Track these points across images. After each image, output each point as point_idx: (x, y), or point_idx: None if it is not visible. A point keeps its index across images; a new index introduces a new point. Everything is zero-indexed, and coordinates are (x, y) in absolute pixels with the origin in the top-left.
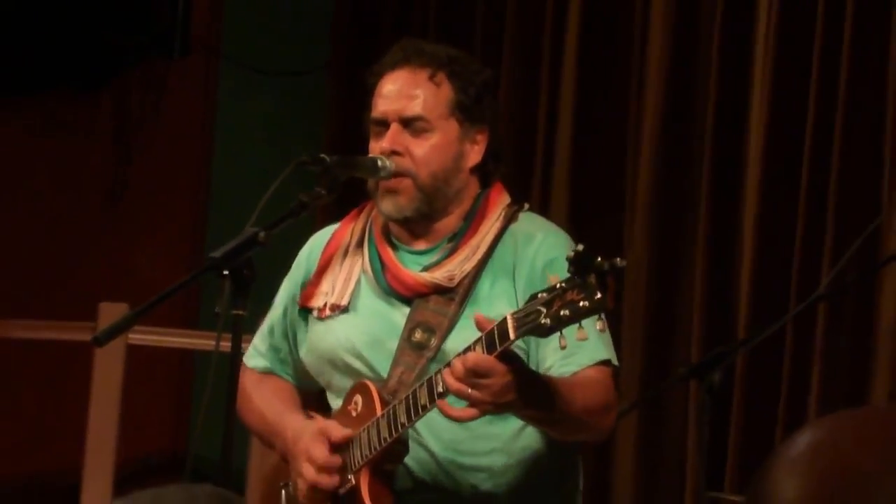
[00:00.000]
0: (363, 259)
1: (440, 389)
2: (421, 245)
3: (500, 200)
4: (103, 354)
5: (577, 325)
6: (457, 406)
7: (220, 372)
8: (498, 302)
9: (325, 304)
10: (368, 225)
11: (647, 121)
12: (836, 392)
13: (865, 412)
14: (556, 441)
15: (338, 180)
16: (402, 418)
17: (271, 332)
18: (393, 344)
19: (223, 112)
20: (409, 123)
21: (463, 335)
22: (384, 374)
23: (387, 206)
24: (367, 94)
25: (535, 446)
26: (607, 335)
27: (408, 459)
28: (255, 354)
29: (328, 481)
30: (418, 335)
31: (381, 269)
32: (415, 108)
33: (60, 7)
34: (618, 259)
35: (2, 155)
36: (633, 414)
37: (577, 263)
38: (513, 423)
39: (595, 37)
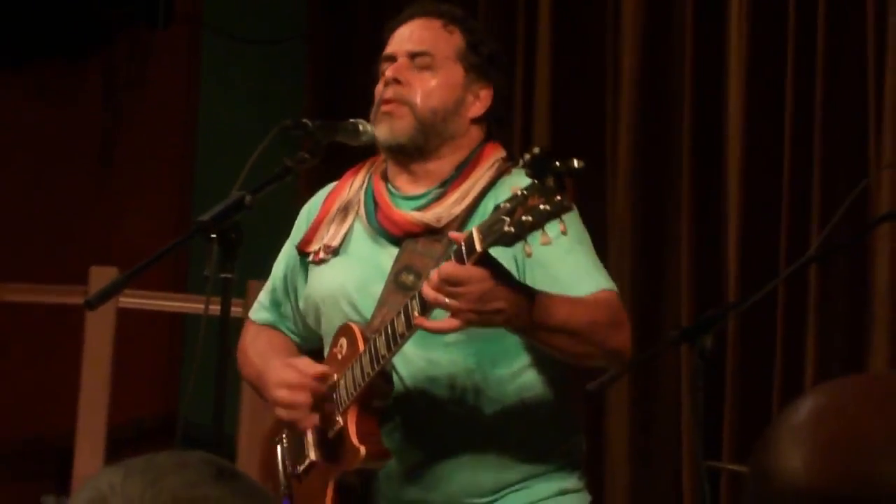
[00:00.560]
0: (359, 204)
1: (415, 314)
2: (413, 190)
3: (495, 153)
4: (94, 318)
5: (540, 230)
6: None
7: (210, 335)
8: None
9: (319, 248)
10: (369, 175)
11: (625, 80)
12: (833, 354)
13: (868, 378)
14: (551, 393)
15: (321, 144)
16: (383, 350)
17: (274, 286)
18: (380, 287)
19: (207, 80)
20: (416, 57)
21: None
22: (370, 317)
23: (382, 130)
24: (345, 61)
25: (529, 396)
26: (593, 255)
27: (395, 407)
28: (259, 308)
29: (303, 398)
30: (404, 277)
31: (374, 209)
32: (422, 44)
33: None
34: (574, 160)
35: None
36: (625, 382)
37: (534, 167)
38: (503, 371)
39: None
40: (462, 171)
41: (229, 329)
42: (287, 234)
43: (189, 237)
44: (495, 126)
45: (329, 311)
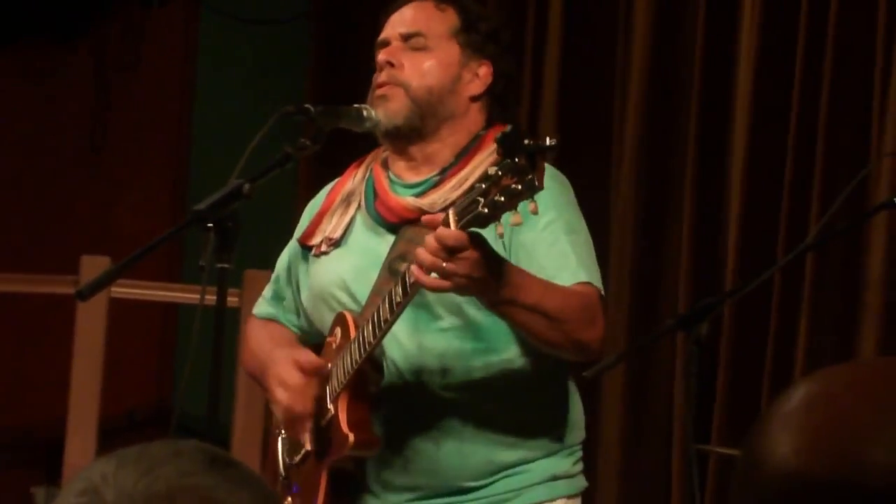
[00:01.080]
0: (361, 195)
1: (398, 300)
2: (412, 177)
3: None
4: (86, 308)
5: (513, 210)
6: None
7: (205, 326)
8: None
9: (321, 241)
10: (370, 167)
11: (634, 68)
12: (824, 343)
13: (858, 365)
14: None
15: (322, 131)
16: (369, 337)
17: (277, 279)
18: (375, 275)
19: (204, 62)
20: (408, 39)
21: None
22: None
23: (379, 114)
24: (348, 42)
25: (521, 383)
26: (585, 248)
27: (387, 393)
28: (262, 302)
29: (301, 405)
30: (398, 264)
31: (373, 198)
32: (415, 24)
33: None
34: (547, 138)
35: None
36: (620, 366)
37: (506, 146)
38: (495, 358)
39: None
40: (462, 157)
41: (225, 319)
42: (286, 224)
43: (185, 226)
44: (498, 107)
45: (330, 302)
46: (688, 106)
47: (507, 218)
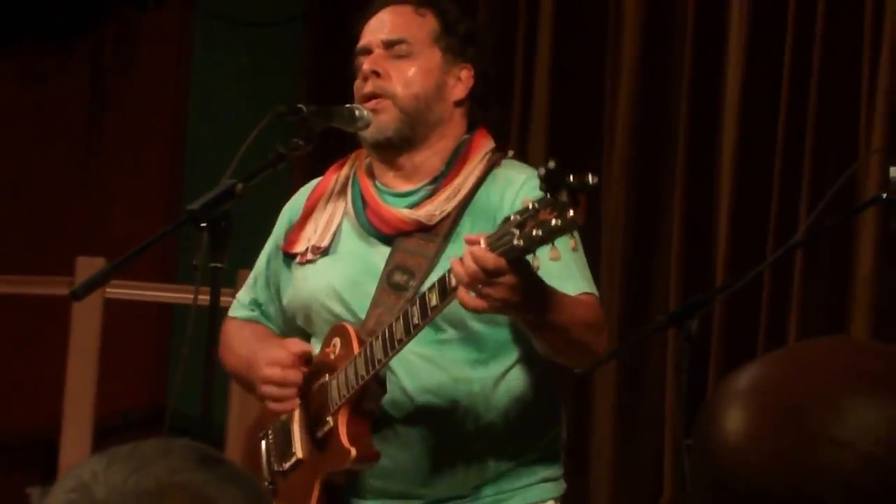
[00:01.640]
0: (346, 202)
1: (416, 321)
2: (403, 186)
3: (484, 145)
4: (81, 309)
5: (550, 245)
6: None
7: (199, 325)
8: None
9: (307, 249)
10: (353, 171)
11: (624, 66)
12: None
13: (802, 347)
14: (537, 387)
15: (315, 131)
16: (379, 354)
17: (254, 284)
18: (372, 286)
19: (198, 64)
20: (391, 46)
21: None
22: (363, 317)
23: (370, 130)
24: (343, 43)
25: (517, 392)
26: (583, 261)
27: (385, 403)
28: (238, 306)
29: (293, 375)
30: (397, 277)
31: (362, 207)
32: (396, 31)
33: None
34: (589, 175)
35: None
36: (611, 362)
37: (549, 181)
38: (494, 369)
39: None
40: (453, 165)
41: (218, 319)
42: None
43: (178, 226)
44: (479, 108)
45: (320, 311)
46: (678, 105)
47: (545, 252)
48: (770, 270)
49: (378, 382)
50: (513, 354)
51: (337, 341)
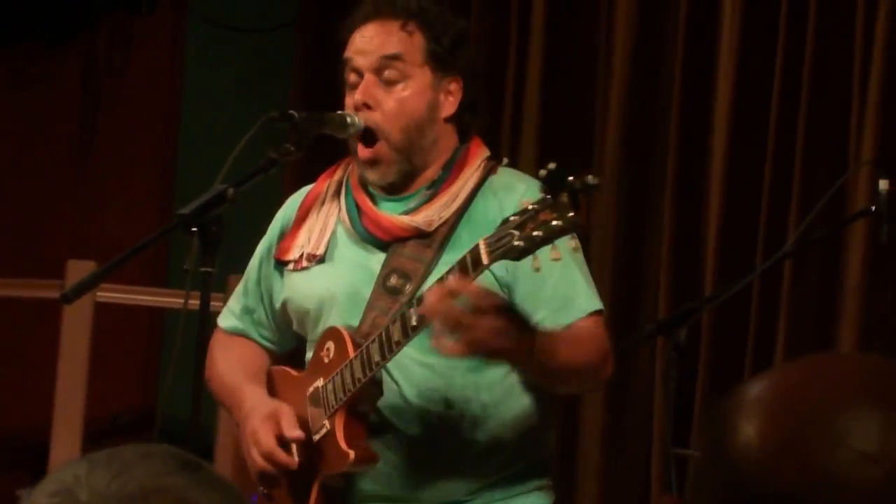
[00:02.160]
0: (340, 209)
1: (413, 324)
2: (399, 193)
3: (480, 153)
4: (71, 312)
5: (550, 245)
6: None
7: (189, 330)
8: None
9: (301, 255)
10: (345, 177)
11: (615, 74)
12: (802, 349)
13: (812, 359)
14: (531, 394)
15: (307, 136)
16: (376, 357)
17: (245, 291)
18: (368, 291)
19: (191, 68)
20: (381, 72)
21: None
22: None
23: (371, 175)
24: (336, 50)
25: (512, 398)
26: (584, 264)
27: (382, 406)
28: (229, 315)
29: (272, 469)
30: (393, 280)
31: (357, 215)
32: (385, 54)
33: None
34: (589, 176)
35: None
36: None
37: (550, 182)
38: (491, 374)
39: None
40: (450, 172)
41: (209, 324)
42: None
43: (169, 230)
44: (469, 116)
45: (318, 317)
46: (668, 113)
47: (546, 252)
48: (759, 280)
49: (374, 384)
50: None
51: (331, 345)
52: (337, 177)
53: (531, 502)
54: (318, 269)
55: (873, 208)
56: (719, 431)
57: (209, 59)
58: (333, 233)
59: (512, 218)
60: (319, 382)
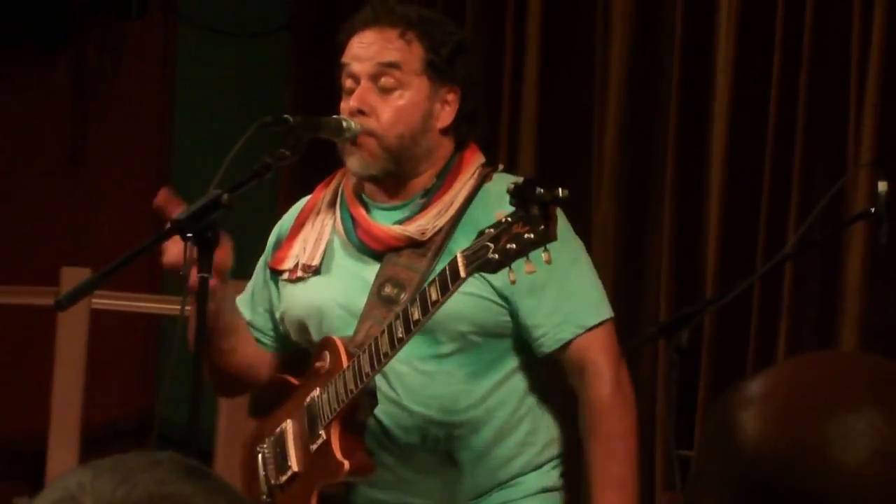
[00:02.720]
0: (335, 219)
1: (399, 335)
2: (393, 201)
3: (474, 160)
4: (66, 319)
5: (524, 258)
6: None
7: (186, 335)
8: None
9: (296, 265)
10: (340, 188)
11: (613, 78)
12: (803, 351)
13: (819, 356)
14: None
15: (301, 141)
16: (366, 368)
17: (246, 299)
18: (364, 301)
19: (183, 74)
20: (378, 79)
21: None
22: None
23: (353, 163)
24: (330, 54)
25: (514, 402)
26: (589, 273)
27: (381, 413)
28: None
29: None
30: (388, 289)
31: (352, 226)
32: (383, 62)
33: None
34: (559, 189)
35: None
36: None
37: (519, 196)
38: (491, 380)
39: None
40: (444, 180)
41: (205, 329)
42: (265, 235)
43: (164, 236)
44: (467, 126)
45: (315, 327)
46: (667, 118)
47: (521, 266)
48: (759, 283)
49: (368, 395)
50: (508, 364)
51: (326, 355)
52: (331, 188)
53: None
54: (313, 280)
55: (873, 210)
56: (727, 431)
57: (202, 64)
58: (329, 243)
59: (487, 230)
60: (315, 392)
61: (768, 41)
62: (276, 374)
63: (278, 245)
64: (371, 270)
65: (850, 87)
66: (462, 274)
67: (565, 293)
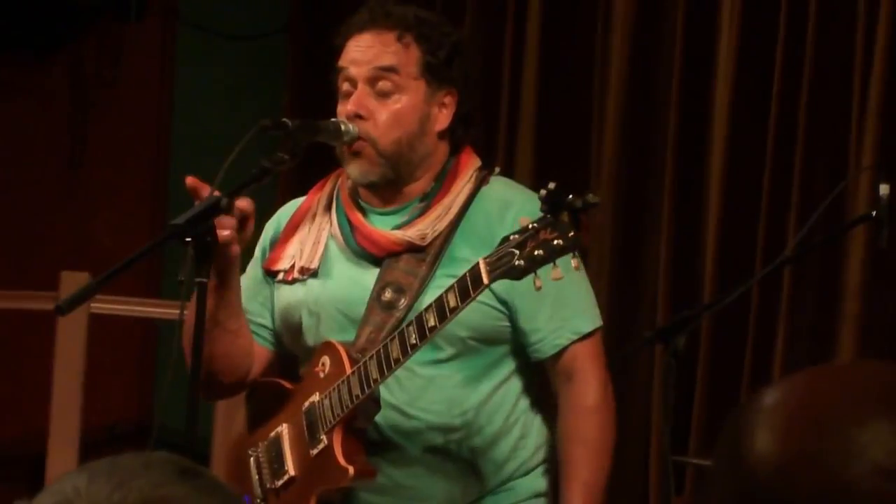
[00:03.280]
0: (331, 223)
1: (413, 341)
2: (390, 206)
3: (471, 163)
4: (66, 324)
5: (551, 264)
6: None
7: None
8: None
9: (291, 267)
10: (336, 190)
11: (612, 80)
12: (801, 356)
13: (831, 368)
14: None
15: (300, 145)
16: (374, 374)
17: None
18: (363, 306)
19: (182, 77)
20: (375, 83)
21: (434, 295)
22: (353, 337)
23: (353, 170)
24: (329, 56)
25: (509, 407)
26: (587, 283)
27: (381, 420)
28: None
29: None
30: (388, 294)
31: (350, 230)
32: (380, 65)
33: None
34: (590, 195)
35: None
36: None
37: (550, 202)
38: (488, 384)
39: None
40: (442, 184)
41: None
42: None
43: (163, 241)
44: (463, 128)
45: (310, 331)
46: (666, 118)
47: (547, 271)
48: (758, 287)
49: (372, 400)
50: (505, 369)
51: (326, 360)
52: (327, 190)
53: None
54: (311, 283)
55: (874, 213)
56: (735, 439)
57: (200, 67)
58: (326, 247)
59: (512, 237)
60: (315, 398)
61: (770, 43)
62: (267, 377)
63: (273, 245)
64: (370, 275)
65: (852, 88)
66: (485, 280)
67: (563, 299)
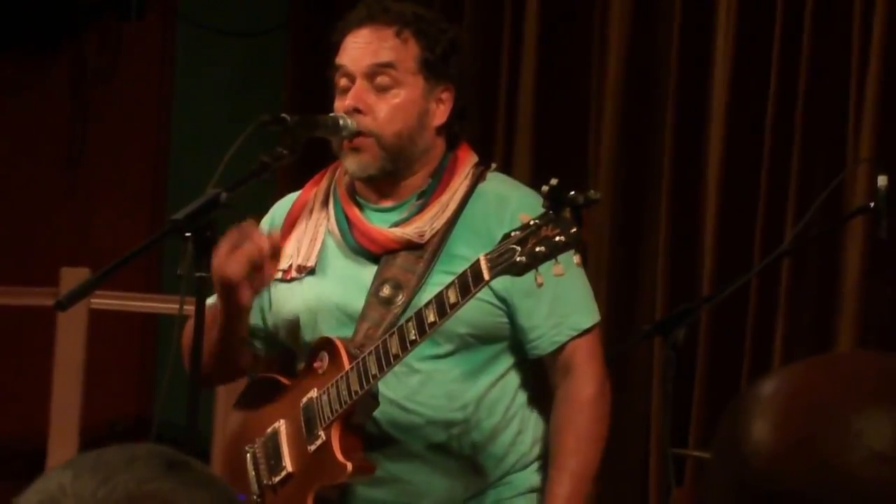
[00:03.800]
0: (328, 219)
1: (412, 337)
2: (387, 202)
3: (468, 159)
4: (65, 319)
5: (553, 260)
6: (427, 351)
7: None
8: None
9: (290, 266)
10: (332, 186)
11: (610, 77)
12: (800, 349)
13: (828, 357)
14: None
15: (299, 140)
16: (374, 370)
17: None
18: (361, 303)
19: (182, 73)
20: (374, 78)
21: (432, 292)
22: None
23: (351, 164)
24: (328, 53)
25: (507, 402)
26: (585, 279)
27: (380, 415)
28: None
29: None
30: (386, 291)
31: (347, 227)
32: (378, 61)
33: None
34: (591, 191)
35: None
36: None
37: (552, 198)
38: (486, 380)
39: None
40: (439, 181)
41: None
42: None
43: (162, 236)
44: (460, 123)
45: (308, 328)
46: (664, 113)
47: (549, 267)
48: (756, 280)
49: (371, 396)
50: (503, 364)
51: (324, 355)
52: (323, 185)
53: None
54: (308, 281)
55: (872, 205)
56: (733, 428)
57: (199, 64)
58: (323, 243)
59: (513, 233)
60: (313, 393)
61: (767, 36)
62: (264, 373)
63: None
64: (367, 272)
65: (849, 81)
66: (486, 277)
67: (561, 296)
